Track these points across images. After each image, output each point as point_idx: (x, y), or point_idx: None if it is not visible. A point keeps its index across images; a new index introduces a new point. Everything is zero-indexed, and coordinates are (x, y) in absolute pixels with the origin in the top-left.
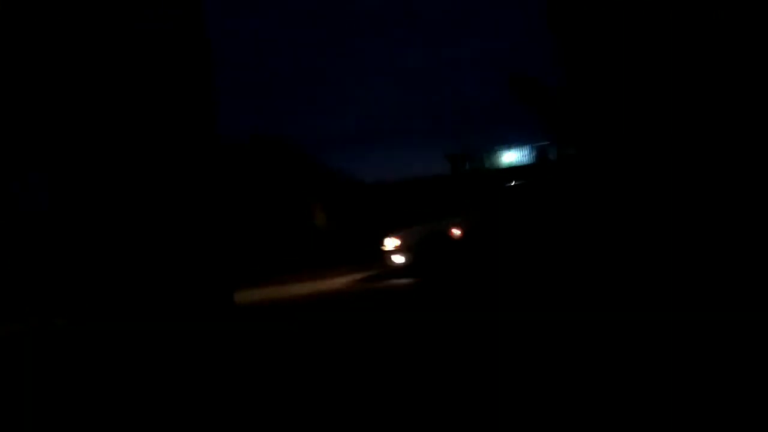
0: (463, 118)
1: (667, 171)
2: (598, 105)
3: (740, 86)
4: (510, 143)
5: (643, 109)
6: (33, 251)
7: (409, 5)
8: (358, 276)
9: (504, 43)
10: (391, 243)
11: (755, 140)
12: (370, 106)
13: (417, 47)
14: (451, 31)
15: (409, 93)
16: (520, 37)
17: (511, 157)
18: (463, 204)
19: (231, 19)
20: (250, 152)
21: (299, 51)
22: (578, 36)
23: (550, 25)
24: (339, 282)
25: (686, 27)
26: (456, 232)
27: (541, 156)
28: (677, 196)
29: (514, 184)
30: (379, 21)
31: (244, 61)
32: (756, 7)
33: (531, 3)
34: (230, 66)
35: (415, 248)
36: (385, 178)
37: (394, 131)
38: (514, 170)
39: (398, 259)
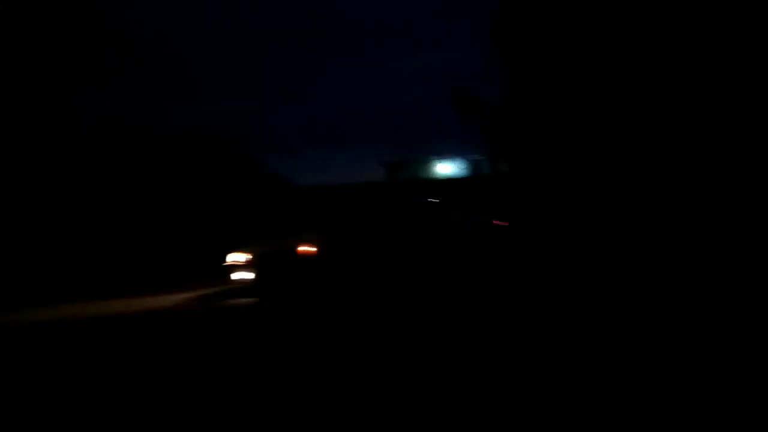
0: (401, 128)
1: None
2: (535, 121)
3: (673, 96)
4: (446, 155)
5: (580, 126)
6: None
7: (347, 15)
8: (206, 291)
9: (447, 55)
10: (232, 258)
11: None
12: (310, 110)
13: (359, 56)
14: (394, 42)
15: (349, 100)
16: (463, 49)
17: (446, 168)
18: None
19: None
20: (181, 147)
21: (241, 47)
22: (519, 49)
23: (493, 36)
24: (177, 299)
25: (621, 44)
26: (303, 249)
27: (475, 170)
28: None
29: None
30: (320, 29)
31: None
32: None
33: (475, 15)
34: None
35: (258, 266)
36: (320, 181)
37: (333, 136)
38: (448, 182)
39: (239, 275)
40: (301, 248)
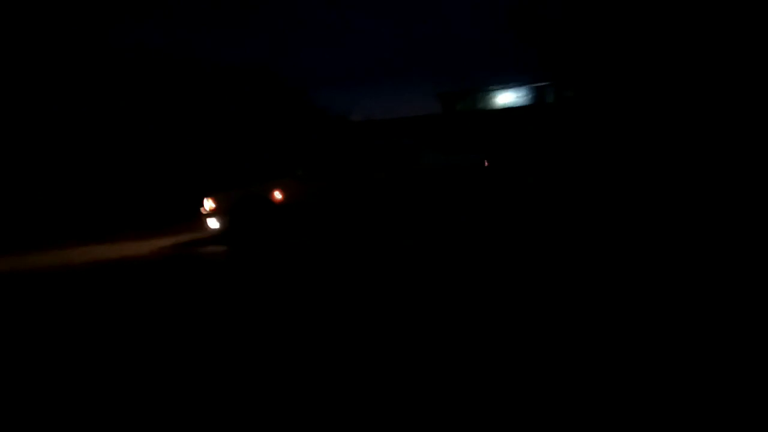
0: (458, 55)
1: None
2: (601, 43)
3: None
4: (507, 83)
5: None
6: None
7: None
8: (185, 238)
9: None
10: (208, 205)
11: None
12: (359, 41)
13: None
14: None
15: (402, 28)
16: None
17: (507, 98)
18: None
19: None
20: (230, 81)
21: None
22: None
23: None
24: (153, 246)
25: None
26: (278, 195)
27: (538, 98)
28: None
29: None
30: None
31: None
32: None
33: None
34: None
35: (231, 212)
36: (373, 116)
37: (385, 68)
38: (509, 112)
39: (213, 223)
40: (276, 194)
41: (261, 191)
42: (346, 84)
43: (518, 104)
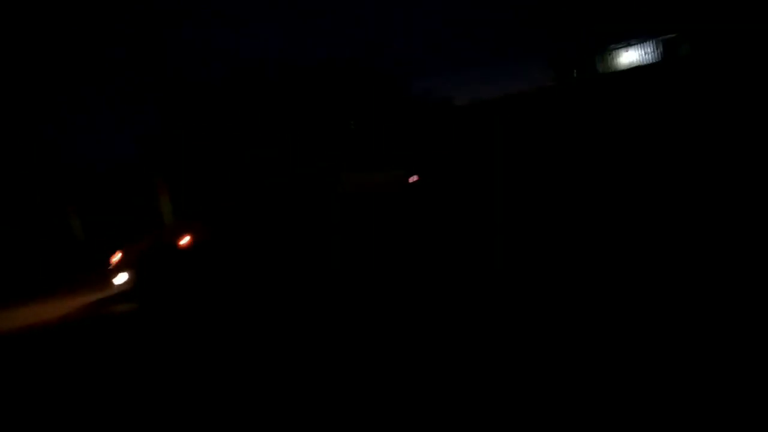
0: (567, 14)
1: None
2: None
3: None
4: (628, 40)
5: None
6: None
7: None
8: (98, 295)
9: None
10: (115, 258)
11: None
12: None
13: None
14: None
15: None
16: None
17: (630, 56)
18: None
19: None
20: (321, 76)
21: None
22: None
23: None
24: (62, 308)
25: None
26: (185, 242)
27: (668, 53)
28: None
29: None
30: None
31: None
32: None
33: None
34: None
35: (137, 265)
36: (479, 96)
37: (491, 44)
38: (634, 73)
39: (119, 278)
40: (184, 240)
41: (169, 239)
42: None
43: (644, 62)
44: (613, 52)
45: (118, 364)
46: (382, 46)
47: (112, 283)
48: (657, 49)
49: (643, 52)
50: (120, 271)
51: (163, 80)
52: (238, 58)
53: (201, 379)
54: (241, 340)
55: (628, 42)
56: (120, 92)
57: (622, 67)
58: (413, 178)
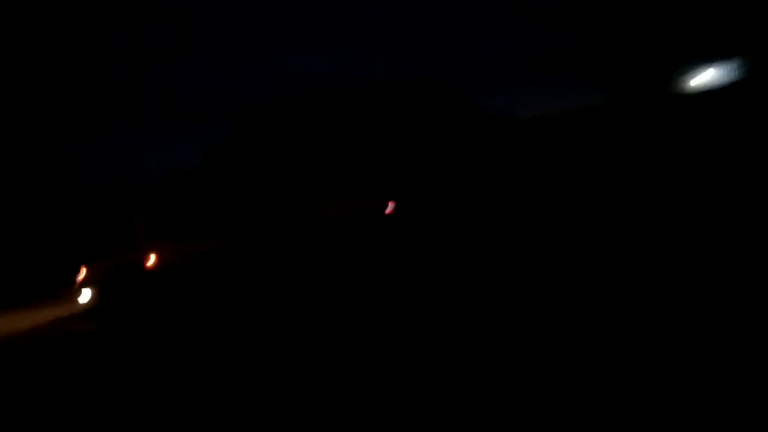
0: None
1: None
2: None
3: None
4: (702, 60)
5: None
6: None
7: None
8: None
9: None
10: (81, 274)
11: None
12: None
13: None
14: None
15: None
16: None
17: (703, 78)
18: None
19: None
20: (383, 96)
21: None
22: None
23: None
24: (27, 322)
25: None
26: (150, 262)
27: (752, 72)
28: None
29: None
30: None
31: None
32: None
33: None
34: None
35: (101, 284)
36: (541, 113)
37: (554, 62)
38: (709, 95)
39: (84, 296)
40: (150, 259)
41: (134, 258)
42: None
43: (721, 84)
44: (683, 71)
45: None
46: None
47: (76, 300)
48: (737, 68)
49: (720, 71)
50: (84, 288)
51: (234, 100)
52: (308, 77)
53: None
54: (187, 370)
55: (710, 61)
56: (195, 112)
57: (696, 88)
58: (390, 208)
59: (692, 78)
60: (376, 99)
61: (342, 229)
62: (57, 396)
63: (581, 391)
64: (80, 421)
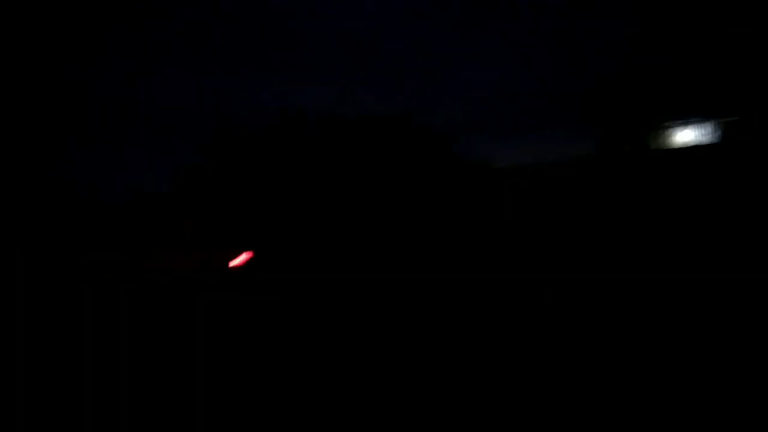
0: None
1: None
2: None
3: None
4: (687, 118)
5: None
6: None
7: None
8: None
9: None
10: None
11: None
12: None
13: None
14: None
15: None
16: None
17: (687, 136)
18: None
19: None
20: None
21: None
22: None
23: None
24: None
25: None
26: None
27: (727, 136)
28: None
29: None
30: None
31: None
32: None
33: None
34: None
35: None
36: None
37: (533, 111)
38: (688, 152)
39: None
40: None
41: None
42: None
43: (700, 143)
44: (669, 129)
45: None
46: (428, 104)
47: None
48: (716, 130)
49: (700, 132)
50: None
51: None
52: (288, 107)
53: None
54: None
55: (686, 120)
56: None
57: (676, 145)
58: (239, 259)
59: (677, 134)
60: (347, 136)
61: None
62: None
63: None
64: None
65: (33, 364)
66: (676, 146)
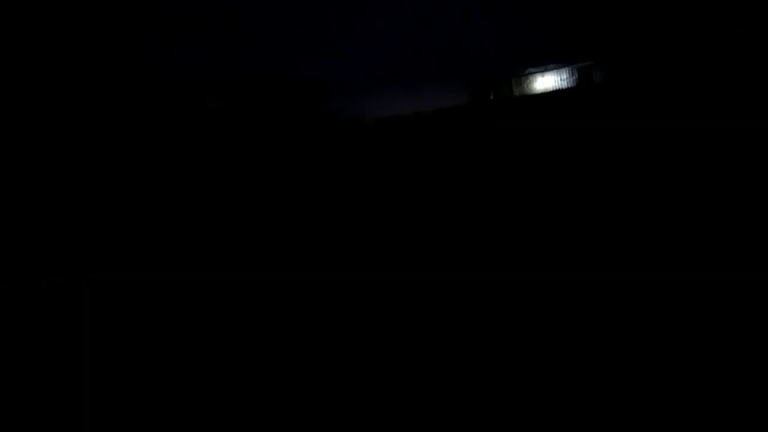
0: (487, 32)
1: None
2: None
3: None
4: (545, 65)
5: None
6: None
7: None
8: None
9: None
10: None
11: None
12: (371, 34)
13: None
14: None
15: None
16: None
17: (546, 82)
18: None
19: None
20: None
21: None
22: None
23: None
24: None
25: None
26: None
27: (583, 79)
28: None
29: None
30: None
31: None
32: None
33: None
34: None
35: None
36: (392, 113)
37: (407, 63)
38: (548, 97)
39: None
40: None
41: None
42: (364, 82)
43: (559, 88)
44: (530, 76)
45: None
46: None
47: None
48: (573, 75)
49: (559, 78)
50: None
51: None
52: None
53: None
54: None
55: (545, 67)
56: None
57: (538, 91)
58: None
59: (535, 82)
60: (216, 92)
61: None
62: None
63: None
64: None
65: None
66: (536, 92)
